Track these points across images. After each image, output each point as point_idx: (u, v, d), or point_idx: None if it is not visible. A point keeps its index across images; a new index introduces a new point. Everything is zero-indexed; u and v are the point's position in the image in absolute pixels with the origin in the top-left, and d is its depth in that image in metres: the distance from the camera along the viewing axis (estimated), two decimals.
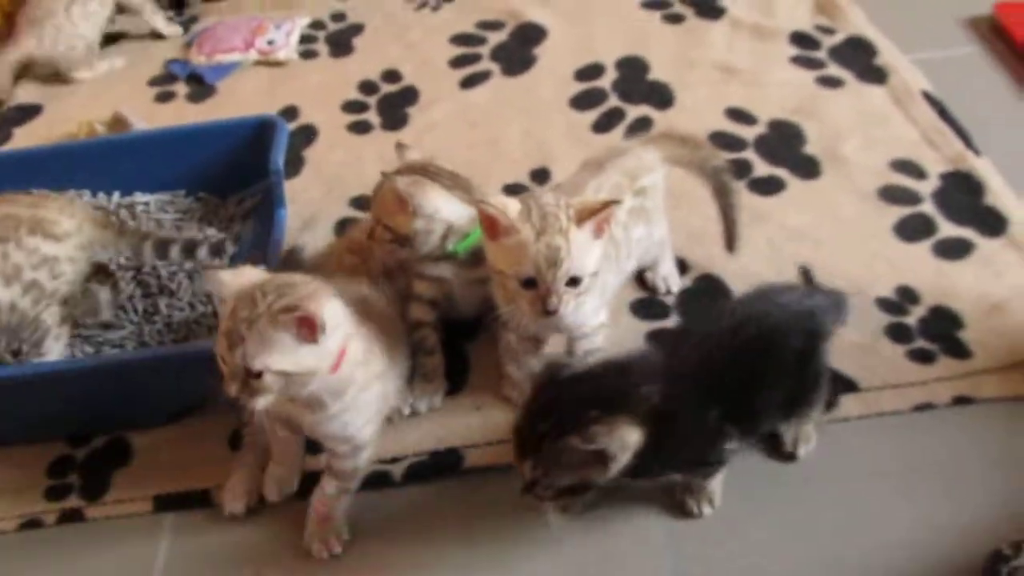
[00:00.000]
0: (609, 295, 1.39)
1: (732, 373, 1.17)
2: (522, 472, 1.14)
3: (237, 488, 1.35)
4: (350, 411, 1.22)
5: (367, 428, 1.27)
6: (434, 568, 1.27)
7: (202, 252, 1.56)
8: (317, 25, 2.38)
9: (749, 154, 1.84)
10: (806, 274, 1.35)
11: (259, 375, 1.09)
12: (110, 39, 2.41)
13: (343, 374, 1.17)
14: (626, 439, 1.08)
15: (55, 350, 1.50)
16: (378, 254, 1.48)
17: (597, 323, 1.35)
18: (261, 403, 1.11)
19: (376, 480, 1.35)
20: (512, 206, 1.23)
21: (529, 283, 1.21)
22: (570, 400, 1.12)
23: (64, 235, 1.48)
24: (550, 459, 1.11)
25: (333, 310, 1.13)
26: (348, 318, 1.18)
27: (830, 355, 1.27)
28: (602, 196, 1.33)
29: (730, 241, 1.56)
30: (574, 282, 1.21)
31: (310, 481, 1.34)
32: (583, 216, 1.20)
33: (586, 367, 1.18)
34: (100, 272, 1.57)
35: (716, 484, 1.28)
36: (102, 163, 1.80)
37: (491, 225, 1.22)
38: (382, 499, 1.35)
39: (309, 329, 1.09)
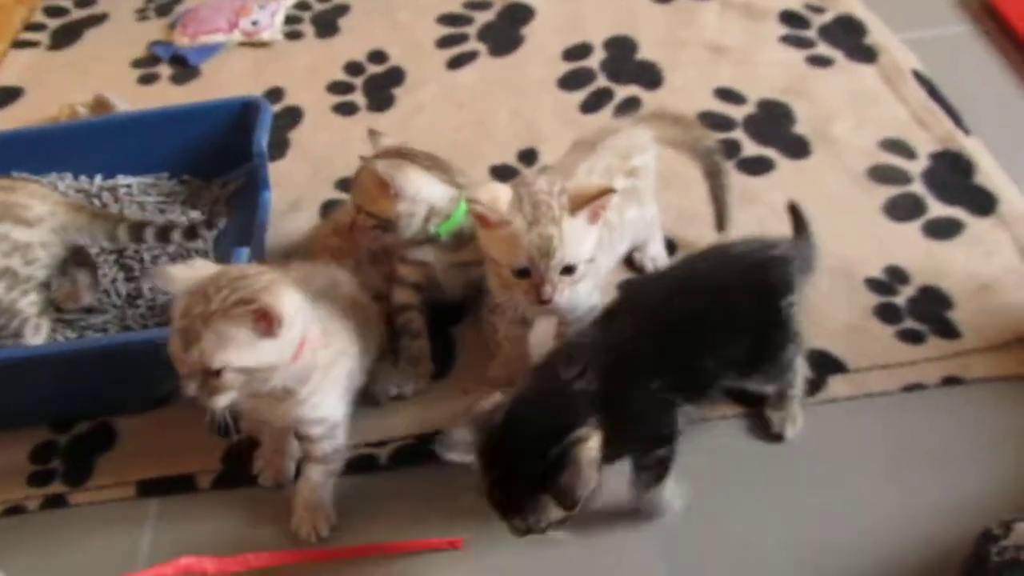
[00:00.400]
0: (602, 277, 1.37)
1: (672, 339, 1.14)
2: (513, 529, 1.09)
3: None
4: (318, 393, 1.20)
5: (338, 407, 1.25)
6: (420, 551, 1.26)
7: (176, 235, 1.54)
8: (302, 5, 2.35)
9: (738, 134, 1.82)
10: (795, 211, 1.35)
11: (218, 373, 1.06)
12: (93, 21, 2.38)
13: (306, 361, 1.14)
14: (591, 456, 1.03)
15: (35, 342, 1.48)
16: (362, 241, 1.46)
17: (589, 306, 1.33)
18: (222, 401, 1.08)
19: (362, 464, 1.34)
20: (503, 195, 1.21)
21: (523, 273, 1.20)
22: (521, 448, 1.05)
23: (36, 220, 1.46)
24: (533, 512, 1.06)
25: (291, 301, 1.09)
26: (307, 306, 1.14)
27: (799, 310, 1.23)
28: (594, 178, 1.32)
29: (720, 221, 1.56)
30: (569, 270, 1.19)
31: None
32: (577, 203, 1.18)
33: (513, 395, 1.11)
34: (80, 255, 1.55)
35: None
36: (84, 146, 1.78)
37: (482, 218, 1.20)
38: (368, 482, 1.34)
39: (267, 323, 1.05)
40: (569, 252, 1.18)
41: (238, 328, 1.05)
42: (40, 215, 1.46)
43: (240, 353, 1.05)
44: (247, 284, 1.07)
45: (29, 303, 1.47)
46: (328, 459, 1.27)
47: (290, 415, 1.21)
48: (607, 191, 1.19)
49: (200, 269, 1.12)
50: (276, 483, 1.34)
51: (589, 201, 1.18)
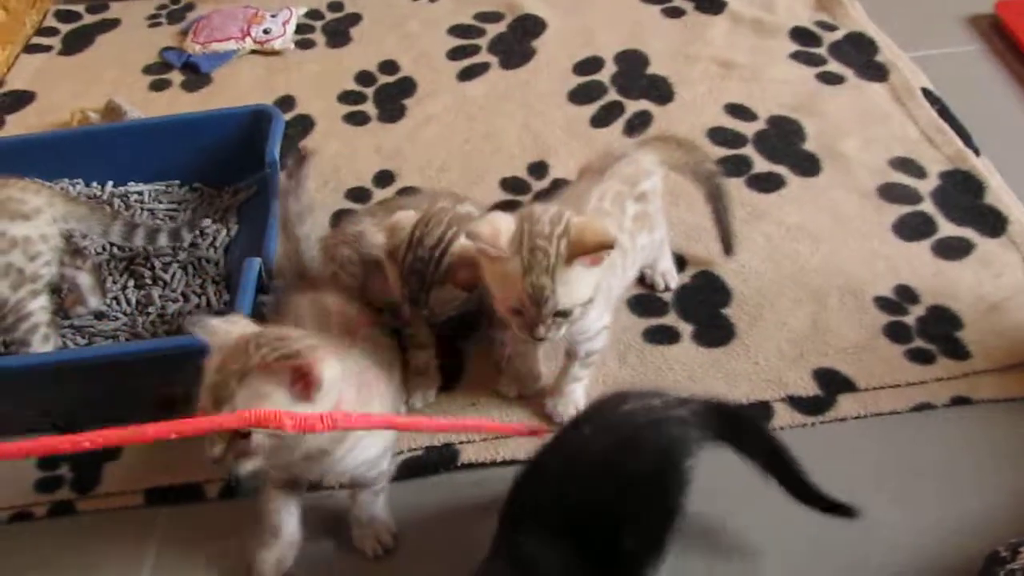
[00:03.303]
0: (613, 300, 1.37)
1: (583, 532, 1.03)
2: None
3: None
4: (359, 446, 1.14)
5: (377, 447, 1.19)
6: (429, 563, 1.26)
7: (162, 238, 1.58)
8: (314, 14, 2.36)
9: (748, 150, 1.83)
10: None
11: (247, 435, 0.99)
12: (105, 26, 2.39)
13: None
14: None
15: (45, 350, 1.47)
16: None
17: (600, 326, 1.33)
18: (248, 467, 1.03)
19: None
20: (505, 228, 1.19)
21: (518, 311, 1.20)
22: None
23: (33, 212, 1.44)
24: None
25: (332, 367, 1.02)
26: (345, 374, 1.07)
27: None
28: (605, 206, 1.33)
29: (727, 244, 1.57)
30: (563, 314, 1.19)
31: None
32: (575, 253, 1.16)
33: None
34: (78, 257, 1.55)
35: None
36: (96, 152, 1.78)
37: (483, 251, 1.20)
38: None
39: (305, 385, 1.00)
40: (563, 300, 1.17)
41: (275, 387, 0.99)
42: (37, 207, 1.45)
43: None
44: (289, 344, 1.02)
45: (40, 307, 1.46)
46: (375, 482, 1.25)
47: (329, 473, 1.18)
48: (607, 245, 1.16)
49: (241, 325, 1.07)
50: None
51: (586, 253, 1.16)
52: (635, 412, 1.11)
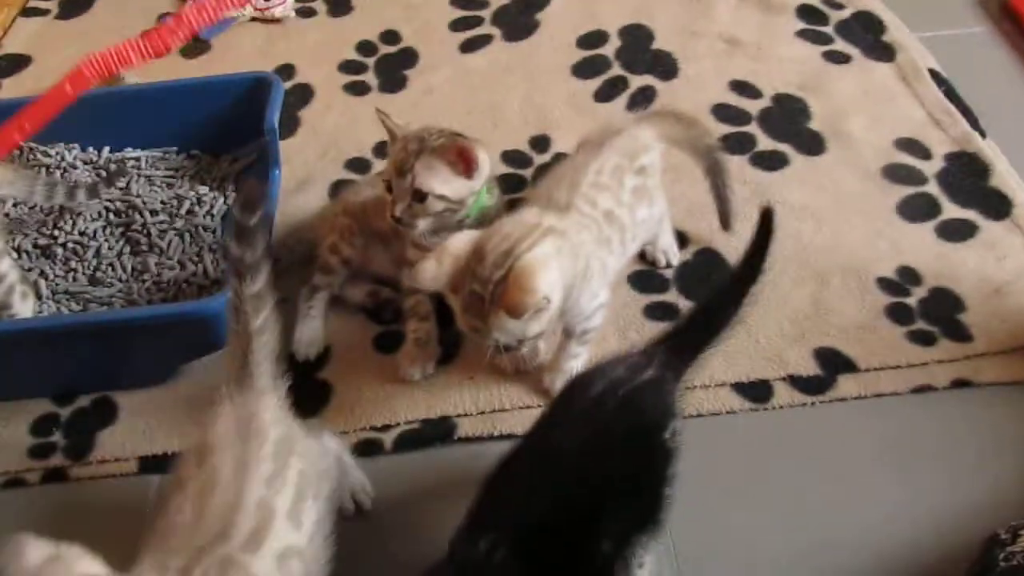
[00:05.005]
0: (610, 277, 1.36)
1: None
2: None
3: None
4: None
5: None
6: (424, 535, 1.25)
7: (80, 194, 1.59)
8: None
9: (753, 128, 1.81)
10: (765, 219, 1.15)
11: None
12: None
13: None
14: None
15: (26, 309, 1.47)
16: (379, 224, 1.44)
17: (596, 304, 1.32)
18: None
19: (367, 448, 1.34)
20: (454, 261, 1.20)
21: None
22: None
23: None
24: None
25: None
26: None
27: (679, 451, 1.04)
28: (603, 179, 1.33)
29: (725, 220, 1.56)
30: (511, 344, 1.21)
31: None
32: (501, 308, 1.15)
33: None
34: None
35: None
36: (93, 117, 1.74)
37: None
38: (373, 466, 1.32)
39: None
40: (504, 339, 1.19)
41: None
42: None
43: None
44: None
45: (8, 267, 1.46)
46: None
47: None
48: (523, 310, 1.13)
49: (72, 569, 0.82)
50: None
51: (510, 313, 1.14)
52: (603, 395, 1.03)
